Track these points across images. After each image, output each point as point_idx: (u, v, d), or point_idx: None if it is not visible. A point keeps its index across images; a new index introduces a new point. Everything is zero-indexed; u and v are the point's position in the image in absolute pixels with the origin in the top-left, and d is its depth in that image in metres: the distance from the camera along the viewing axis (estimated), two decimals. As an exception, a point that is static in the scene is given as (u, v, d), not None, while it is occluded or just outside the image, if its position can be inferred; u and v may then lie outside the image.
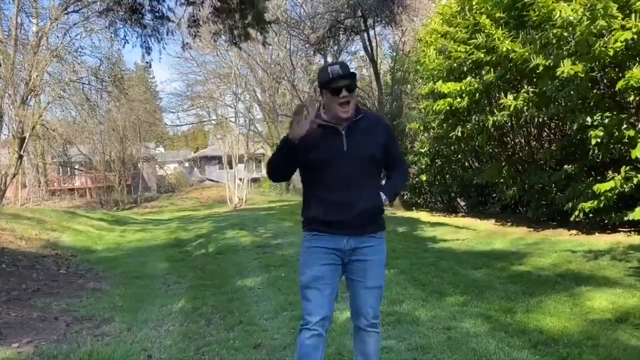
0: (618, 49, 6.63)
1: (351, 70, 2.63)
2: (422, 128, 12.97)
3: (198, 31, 9.25)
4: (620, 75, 7.13)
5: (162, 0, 8.68)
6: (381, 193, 2.66)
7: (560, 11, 6.97)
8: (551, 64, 7.40)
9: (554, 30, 7.25)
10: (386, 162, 2.73)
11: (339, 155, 2.55)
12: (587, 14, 6.61)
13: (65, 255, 8.65)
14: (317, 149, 2.56)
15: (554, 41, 7.42)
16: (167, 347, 3.91)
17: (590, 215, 8.29)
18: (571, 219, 8.36)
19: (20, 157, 19.80)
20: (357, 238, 2.58)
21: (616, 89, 7.04)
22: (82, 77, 21.58)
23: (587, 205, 7.81)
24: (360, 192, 2.56)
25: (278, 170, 2.66)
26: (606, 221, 8.18)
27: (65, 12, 19.48)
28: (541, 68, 7.62)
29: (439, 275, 6.06)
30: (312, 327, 2.50)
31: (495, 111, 9.44)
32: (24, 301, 5.36)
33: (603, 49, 6.67)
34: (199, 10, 9.01)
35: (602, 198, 7.54)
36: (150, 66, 44.81)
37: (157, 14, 8.77)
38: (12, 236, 9.17)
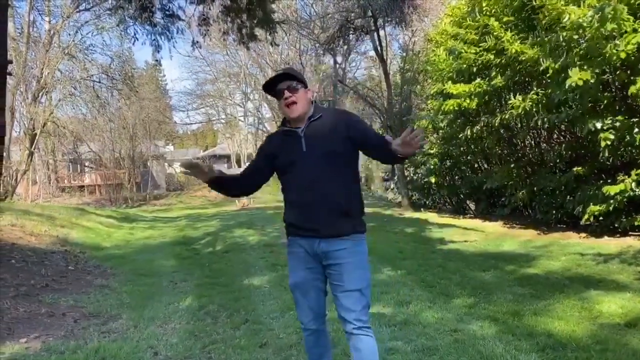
0: (630, 52, 6.57)
1: (294, 71, 2.69)
2: (430, 127, 12.93)
3: (208, 30, 9.28)
4: (632, 78, 7.07)
5: (172, -1, 8.72)
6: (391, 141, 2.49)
7: (570, 14, 6.92)
8: (560, 68, 7.34)
9: (564, 33, 7.20)
10: (370, 149, 2.63)
11: (298, 156, 2.56)
12: (597, 16, 6.54)
13: (74, 251, 8.69)
14: (280, 155, 2.62)
15: (563, 44, 7.37)
16: (173, 344, 3.92)
17: (600, 218, 8.23)
18: (581, 222, 8.30)
19: (31, 153, 20.00)
20: (327, 241, 2.54)
21: (628, 93, 6.98)
22: (92, 75, 21.79)
23: (596, 208, 7.76)
24: (324, 192, 2.50)
25: (229, 194, 2.90)
26: (616, 225, 8.11)
27: (77, 10, 19.67)
28: (551, 71, 7.56)
29: (447, 276, 6.03)
30: (306, 327, 2.69)
31: (505, 111, 9.40)
32: (33, 297, 5.39)
33: (614, 52, 6.61)
34: (209, 9, 9.05)
35: (612, 201, 7.48)
36: (160, 64, 45.10)
37: (167, 12, 8.82)
38: (22, 232, 9.23)
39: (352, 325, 2.51)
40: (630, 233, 8.06)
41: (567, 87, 7.02)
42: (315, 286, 2.63)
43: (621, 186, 7.30)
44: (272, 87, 2.64)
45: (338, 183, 2.55)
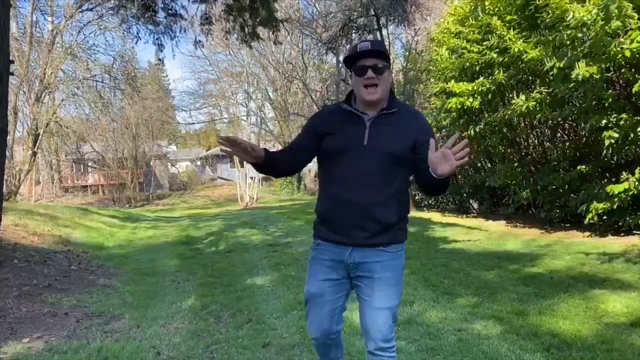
0: (634, 49, 6.53)
1: (385, 48, 2.29)
2: (433, 125, 12.89)
3: (210, 29, 9.28)
4: (637, 76, 7.03)
5: (175, -2, 8.72)
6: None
7: (574, 12, 6.89)
8: (565, 66, 7.31)
9: (568, 32, 7.17)
10: (422, 165, 2.17)
11: (356, 148, 2.23)
12: (601, 14, 6.51)
13: (77, 251, 8.70)
14: (334, 137, 2.27)
15: (568, 42, 7.34)
16: (176, 344, 3.91)
17: (604, 217, 8.19)
18: (585, 221, 8.26)
19: (34, 153, 20.02)
20: (362, 251, 2.26)
21: (633, 91, 6.94)
22: (95, 75, 21.80)
23: (601, 206, 7.72)
24: (372, 194, 2.21)
25: (275, 174, 2.47)
26: (620, 223, 8.08)
27: (80, 10, 19.68)
28: (555, 70, 7.53)
29: (450, 276, 6.01)
30: (315, 339, 2.45)
31: (509, 108, 9.36)
32: (35, 296, 5.38)
33: (619, 49, 6.57)
34: (212, 8, 9.05)
35: (616, 199, 7.45)
36: (162, 63, 45.16)
37: (169, 11, 8.82)
38: (25, 232, 9.23)
39: (375, 345, 2.29)
40: (634, 232, 8.03)
41: (573, 79, 6.99)
42: (333, 301, 2.35)
43: (625, 185, 7.27)
44: (353, 59, 2.26)
45: (391, 191, 2.26)
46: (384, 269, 2.28)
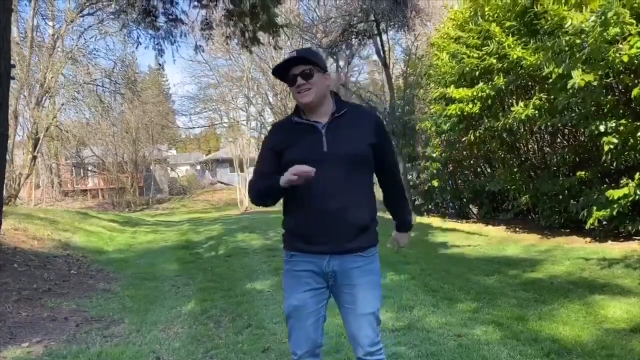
0: (633, 55, 6.54)
1: (311, 53, 2.31)
2: (433, 129, 12.90)
3: (211, 34, 9.31)
4: (636, 81, 7.04)
5: (175, 3, 8.74)
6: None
7: (572, 19, 6.91)
8: (564, 72, 7.33)
9: (567, 38, 7.19)
10: (377, 167, 2.36)
11: (317, 156, 2.20)
12: (599, 21, 6.53)
13: (77, 255, 8.69)
14: (294, 149, 2.25)
15: (566, 48, 7.36)
16: (175, 349, 3.91)
17: (604, 223, 8.18)
18: (586, 226, 8.26)
19: (34, 157, 19.99)
20: (340, 258, 2.24)
21: (632, 96, 6.95)
22: (96, 79, 21.79)
23: (600, 213, 7.71)
24: (345, 203, 2.21)
25: (265, 203, 2.38)
26: (620, 229, 8.08)
27: (81, 14, 19.69)
28: (554, 76, 7.55)
29: (450, 281, 6.01)
30: (300, 358, 2.34)
31: (509, 115, 9.38)
32: (35, 301, 5.38)
33: (617, 55, 6.59)
34: (212, 13, 9.08)
35: (616, 205, 7.44)
36: (163, 68, 45.19)
37: (170, 16, 8.84)
38: (25, 236, 9.22)
39: (364, 351, 2.29)
40: (634, 237, 8.02)
41: (569, 88, 7.00)
42: (316, 312, 2.31)
43: (625, 190, 7.27)
44: (284, 71, 2.29)
45: (359, 193, 2.28)
46: (363, 274, 2.28)
